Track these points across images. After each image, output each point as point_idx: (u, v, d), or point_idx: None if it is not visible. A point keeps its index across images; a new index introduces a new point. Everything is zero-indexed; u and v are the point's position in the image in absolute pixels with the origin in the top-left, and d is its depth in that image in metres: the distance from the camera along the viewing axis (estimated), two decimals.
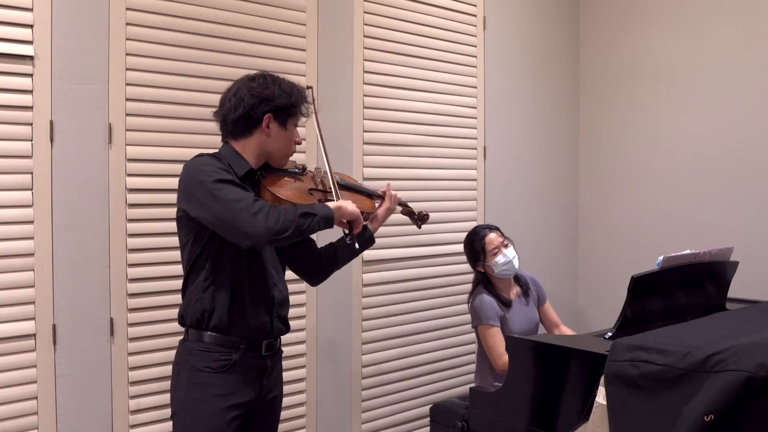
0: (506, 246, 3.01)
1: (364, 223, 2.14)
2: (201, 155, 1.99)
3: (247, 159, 2.01)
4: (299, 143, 2.11)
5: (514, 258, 3.00)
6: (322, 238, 2.34)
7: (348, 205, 2.01)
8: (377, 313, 3.18)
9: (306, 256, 2.23)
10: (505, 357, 2.72)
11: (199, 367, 1.96)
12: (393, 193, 2.27)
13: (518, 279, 3.14)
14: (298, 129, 2.10)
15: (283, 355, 2.80)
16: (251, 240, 1.86)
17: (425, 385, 3.37)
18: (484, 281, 3.04)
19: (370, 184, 3.10)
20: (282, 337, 2.16)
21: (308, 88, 2.12)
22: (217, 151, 2.02)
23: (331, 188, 2.08)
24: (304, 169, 2.15)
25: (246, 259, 1.98)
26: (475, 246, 3.03)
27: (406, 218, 3.23)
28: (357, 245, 2.08)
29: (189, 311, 1.99)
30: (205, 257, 1.95)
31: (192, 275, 1.99)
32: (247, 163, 2.00)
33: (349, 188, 2.22)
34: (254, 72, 2.05)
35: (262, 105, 1.97)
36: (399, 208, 2.34)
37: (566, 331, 3.17)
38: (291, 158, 2.15)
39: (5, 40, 2.19)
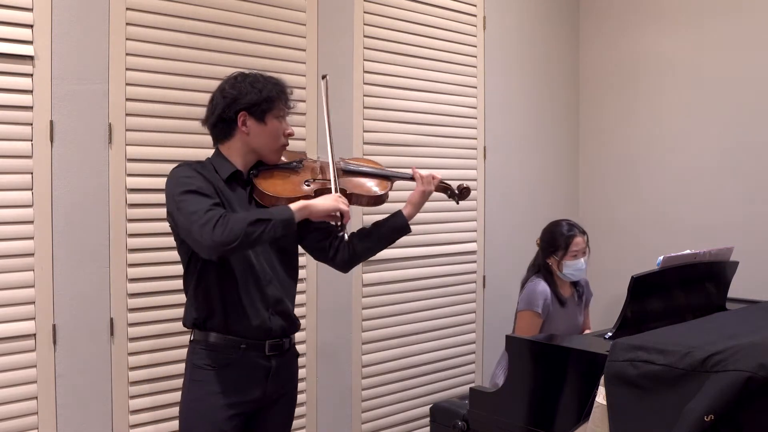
0: (584, 254, 3.03)
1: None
2: (182, 164, 2.00)
3: (232, 161, 2.03)
4: (290, 135, 2.06)
5: (584, 267, 3.03)
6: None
7: (319, 202, 1.95)
8: (377, 313, 3.17)
9: (322, 244, 2.18)
10: None
11: (199, 365, 2.00)
12: (427, 173, 2.21)
13: (576, 283, 3.15)
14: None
15: None
16: (203, 252, 1.86)
17: (425, 385, 3.37)
18: (546, 272, 3.04)
19: None
20: (294, 337, 2.14)
21: (323, 77, 2.14)
22: (207, 158, 2.06)
23: (330, 177, 2.06)
24: (301, 160, 2.13)
25: (231, 259, 1.96)
26: (560, 240, 3.01)
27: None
28: (344, 235, 2.02)
29: (187, 313, 2.04)
30: (194, 260, 1.97)
31: (187, 276, 2.03)
32: (232, 165, 2.02)
33: (359, 173, 2.17)
34: (233, 72, 2.05)
35: (234, 104, 1.97)
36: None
37: None
38: (292, 150, 2.13)
39: (5, 40, 2.19)
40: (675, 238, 3.66)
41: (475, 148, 3.57)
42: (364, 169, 2.20)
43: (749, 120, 3.49)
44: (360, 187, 2.14)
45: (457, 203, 2.38)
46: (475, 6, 3.56)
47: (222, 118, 2.00)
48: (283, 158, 2.12)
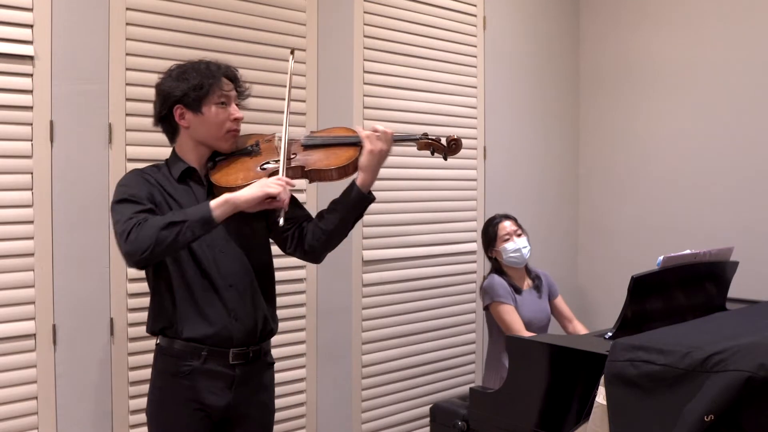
0: (519, 235, 3.12)
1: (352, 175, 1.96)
2: (131, 171, 1.97)
3: (184, 158, 1.96)
4: (238, 119, 1.96)
5: (525, 248, 3.11)
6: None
7: (243, 192, 1.77)
8: (377, 313, 3.17)
9: (284, 235, 2.02)
10: (525, 333, 2.79)
11: (161, 372, 1.95)
12: (373, 131, 1.93)
13: (530, 272, 3.22)
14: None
15: (284, 355, 2.83)
16: (126, 263, 1.80)
17: (425, 385, 3.37)
18: (497, 268, 3.15)
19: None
20: (267, 344, 2.04)
21: (291, 52, 2.08)
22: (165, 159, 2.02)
23: (288, 154, 1.93)
24: (257, 143, 2.01)
25: (184, 263, 1.89)
26: (489, 232, 3.16)
27: (406, 218, 3.28)
28: (281, 222, 1.81)
29: (149, 317, 1.99)
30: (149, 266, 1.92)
31: (148, 283, 1.99)
32: (184, 162, 1.95)
33: (321, 146, 1.99)
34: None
35: (167, 100, 1.92)
36: (414, 145, 2.07)
37: (579, 326, 3.24)
38: (247, 132, 2.05)
39: (5, 40, 2.19)
40: (675, 238, 3.66)
41: (475, 148, 3.57)
42: (327, 140, 2.01)
43: (750, 120, 3.48)
44: (321, 161, 1.95)
45: (445, 159, 2.11)
46: (475, 6, 3.56)
47: (161, 116, 1.95)
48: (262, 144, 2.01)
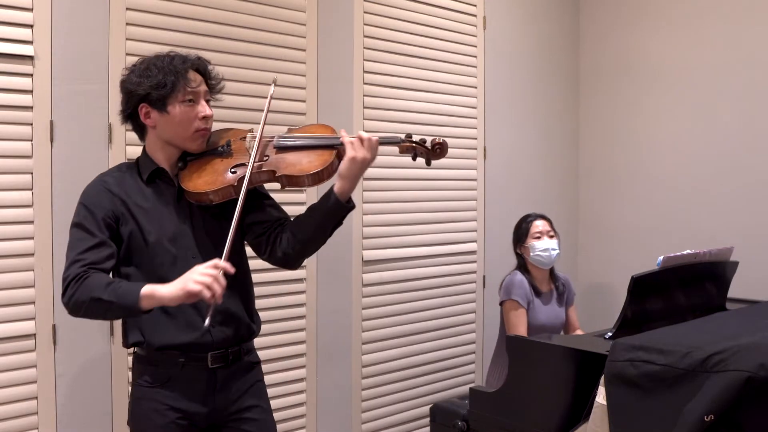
0: (551, 236, 3.13)
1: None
2: (97, 177, 1.87)
3: (153, 157, 1.86)
4: (206, 117, 1.83)
5: (554, 250, 3.12)
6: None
7: (167, 289, 1.64)
8: (377, 313, 3.17)
9: (258, 240, 1.91)
10: None
11: (139, 382, 1.87)
12: (357, 137, 1.80)
13: (556, 278, 3.22)
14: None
15: (284, 355, 2.83)
16: None
17: (425, 385, 3.37)
18: (522, 265, 3.16)
19: (371, 184, 3.11)
20: (248, 344, 1.95)
21: (273, 81, 1.94)
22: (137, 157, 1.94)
23: (259, 156, 1.81)
24: (228, 142, 1.88)
25: (152, 270, 1.79)
26: (522, 227, 3.18)
27: (406, 218, 3.28)
28: (207, 323, 1.64)
29: (122, 331, 1.91)
30: (116, 275, 1.83)
31: None
32: (153, 162, 1.86)
33: (294, 148, 1.85)
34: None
35: (131, 98, 1.81)
36: (396, 149, 1.94)
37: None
38: (228, 128, 1.96)
39: (5, 40, 2.19)
40: (675, 239, 3.66)
41: (475, 148, 3.57)
42: (300, 142, 1.86)
43: (750, 121, 3.48)
44: (293, 166, 1.82)
45: (428, 165, 1.94)
46: (475, 6, 3.56)
47: (126, 115, 1.85)
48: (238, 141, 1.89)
